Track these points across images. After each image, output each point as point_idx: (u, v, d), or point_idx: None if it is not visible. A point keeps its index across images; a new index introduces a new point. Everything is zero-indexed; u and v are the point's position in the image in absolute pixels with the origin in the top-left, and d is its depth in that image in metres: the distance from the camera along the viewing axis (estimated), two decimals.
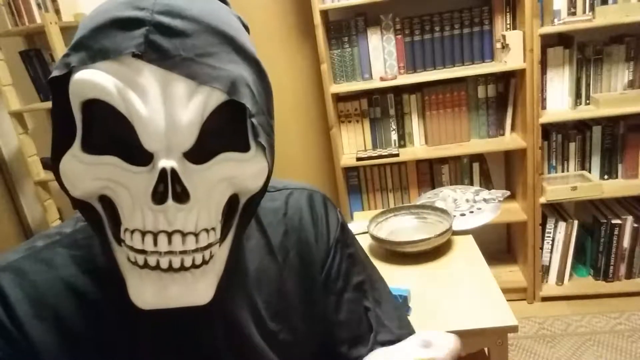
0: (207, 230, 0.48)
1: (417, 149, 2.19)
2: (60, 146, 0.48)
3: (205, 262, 0.49)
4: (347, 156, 2.21)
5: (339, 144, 2.19)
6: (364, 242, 1.49)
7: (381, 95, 2.16)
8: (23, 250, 0.56)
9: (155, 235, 0.45)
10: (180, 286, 0.48)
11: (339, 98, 2.21)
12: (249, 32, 0.55)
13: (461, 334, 1.09)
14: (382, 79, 2.05)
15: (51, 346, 0.53)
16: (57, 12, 2.09)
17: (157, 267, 0.47)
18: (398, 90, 2.14)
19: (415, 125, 2.18)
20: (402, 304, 1.14)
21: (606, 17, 1.85)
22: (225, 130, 0.48)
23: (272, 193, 0.69)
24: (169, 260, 0.46)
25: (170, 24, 0.45)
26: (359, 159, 2.14)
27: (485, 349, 1.34)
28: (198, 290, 0.49)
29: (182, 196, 0.45)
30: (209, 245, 0.49)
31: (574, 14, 1.92)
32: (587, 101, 2.06)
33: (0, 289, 0.52)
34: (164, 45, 0.44)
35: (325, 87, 2.05)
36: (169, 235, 0.46)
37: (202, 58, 0.45)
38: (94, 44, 0.45)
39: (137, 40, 0.44)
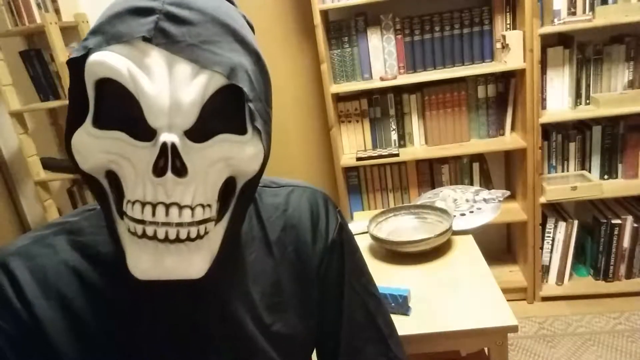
0: (203, 206, 0.50)
1: (417, 149, 2.19)
2: (74, 123, 0.52)
3: (199, 236, 0.51)
4: (347, 156, 2.21)
5: (339, 144, 2.19)
6: (364, 242, 1.49)
7: (381, 95, 2.16)
8: (31, 237, 0.60)
9: (154, 206, 0.48)
10: (175, 258, 0.50)
11: (339, 98, 2.21)
12: (253, 31, 0.59)
13: (461, 334, 1.10)
14: (382, 79, 2.05)
15: (57, 324, 0.57)
16: (57, 12, 2.09)
17: (154, 237, 0.49)
18: (398, 90, 2.14)
19: (415, 125, 2.18)
20: (401, 304, 1.14)
21: (606, 17, 1.85)
22: (225, 113, 0.51)
23: (274, 189, 0.71)
24: (166, 231, 0.49)
25: (179, 14, 0.49)
26: (359, 159, 2.14)
27: (485, 349, 1.34)
28: (192, 263, 0.51)
29: (180, 170, 0.48)
30: (204, 221, 0.51)
31: (574, 14, 1.92)
32: (587, 101, 2.06)
33: (10, 272, 0.57)
34: (172, 32, 0.48)
35: (325, 87, 2.05)
36: (167, 207, 0.48)
37: (206, 45, 0.49)
38: (110, 29, 0.49)
39: (148, 26, 0.48)
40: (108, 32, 0.49)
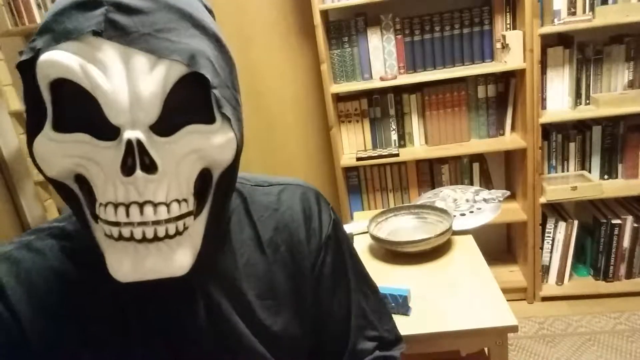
0: (178, 201, 0.49)
1: (417, 149, 2.19)
2: (33, 129, 0.49)
3: (179, 232, 0.50)
4: (347, 156, 2.21)
5: (339, 144, 2.19)
6: (364, 242, 1.49)
7: (381, 95, 2.16)
8: (17, 242, 0.59)
9: (127, 206, 0.47)
10: (156, 257, 0.49)
11: (339, 98, 2.21)
12: (214, 17, 0.57)
13: (461, 334, 1.10)
14: (382, 79, 2.05)
15: (39, 331, 0.55)
16: None
17: (131, 238, 0.48)
18: (398, 90, 2.14)
19: (415, 125, 2.18)
20: (401, 304, 1.14)
21: (606, 17, 1.85)
22: (190, 103, 0.50)
23: (265, 188, 0.70)
24: (143, 230, 0.48)
25: (129, 3, 0.46)
26: (359, 159, 2.14)
27: (485, 349, 1.34)
28: (174, 260, 0.50)
29: (150, 167, 0.46)
30: (182, 216, 0.50)
31: (574, 14, 1.92)
32: (587, 101, 2.06)
33: None
34: (123, 23, 0.46)
35: (325, 87, 2.05)
36: (141, 206, 0.47)
37: (161, 33, 0.47)
38: (57, 26, 0.47)
39: (97, 19, 0.46)
40: (55, 30, 0.47)
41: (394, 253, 1.41)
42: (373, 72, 2.13)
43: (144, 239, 0.48)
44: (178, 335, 0.59)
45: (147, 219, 0.47)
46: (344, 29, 2.09)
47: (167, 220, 0.48)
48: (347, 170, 2.22)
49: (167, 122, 0.48)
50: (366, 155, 2.14)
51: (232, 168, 0.54)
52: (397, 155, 2.12)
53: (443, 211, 1.51)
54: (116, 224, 0.48)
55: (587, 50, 2.01)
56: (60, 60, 0.45)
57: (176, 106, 0.48)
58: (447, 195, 1.71)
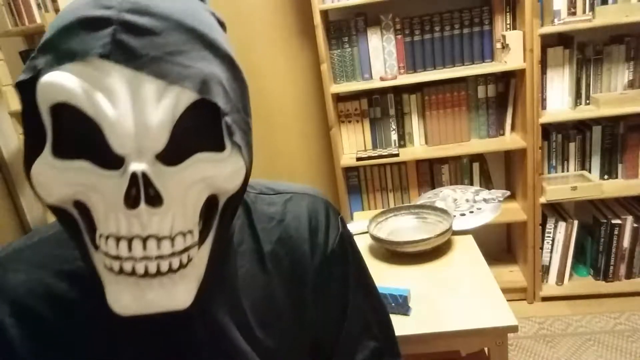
0: (183, 234, 0.47)
1: (417, 149, 2.19)
2: (31, 152, 0.46)
3: (182, 266, 0.47)
4: (347, 156, 2.21)
5: (339, 144, 2.19)
6: (364, 242, 1.49)
7: (381, 95, 2.16)
8: (8, 250, 0.57)
9: (129, 240, 0.44)
10: (158, 291, 0.46)
11: (339, 98, 2.21)
12: (225, 29, 0.54)
13: (461, 334, 1.10)
14: (382, 79, 2.05)
15: (26, 345, 0.54)
16: (57, 12, 2.09)
17: (133, 273, 0.45)
18: (398, 90, 2.14)
19: (415, 125, 2.18)
20: (401, 304, 1.14)
21: (606, 17, 1.85)
22: (199, 130, 0.47)
23: (270, 196, 0.66)
24: (145, 265, 0.45)
25: (138, 22, 0.43)
26: (359, 159, 2.14)
27: (485, 349, 1.34)
28: (177, 295, 0.47)
29: (155, 200, 0.43)
30: (186, 249, 0.47)
31: (574, 14, 1.92)
32: (587, 101, 2.06)
33: None
34: (132, 45, 0.43)
35: (325, 87, 2.05)
36: (144, 240, 0.44)
37: (172, 56, 0.44)
38: (61, 45, 0.44)
39: (103, 40, 0.42)
40: (59, 50, 0.43)
41: (394, 253, 1.41)
42: (373, 72, 2.13)
43: (146, 274, 0.46)
44: (174, 352, 0.57)
45: (150, 254, 0.45)
46: (344, 29, 2.09)
47: (171, 254, 0.46)
48: (347, 170, 2.22)
49: (175, 150, 0.45)
50: (366, 155, 2.14)
51: (239, 193, 0.52)
52: (397, 155, 2.12)
53: (443, 211, 1.51)
54: (117, 257, 0.45)
55: (587, 50, 2.01)
56: (62, 83, 0.42)
57: (184, 133, 0.45)
58: (447, 195, 1.71)
